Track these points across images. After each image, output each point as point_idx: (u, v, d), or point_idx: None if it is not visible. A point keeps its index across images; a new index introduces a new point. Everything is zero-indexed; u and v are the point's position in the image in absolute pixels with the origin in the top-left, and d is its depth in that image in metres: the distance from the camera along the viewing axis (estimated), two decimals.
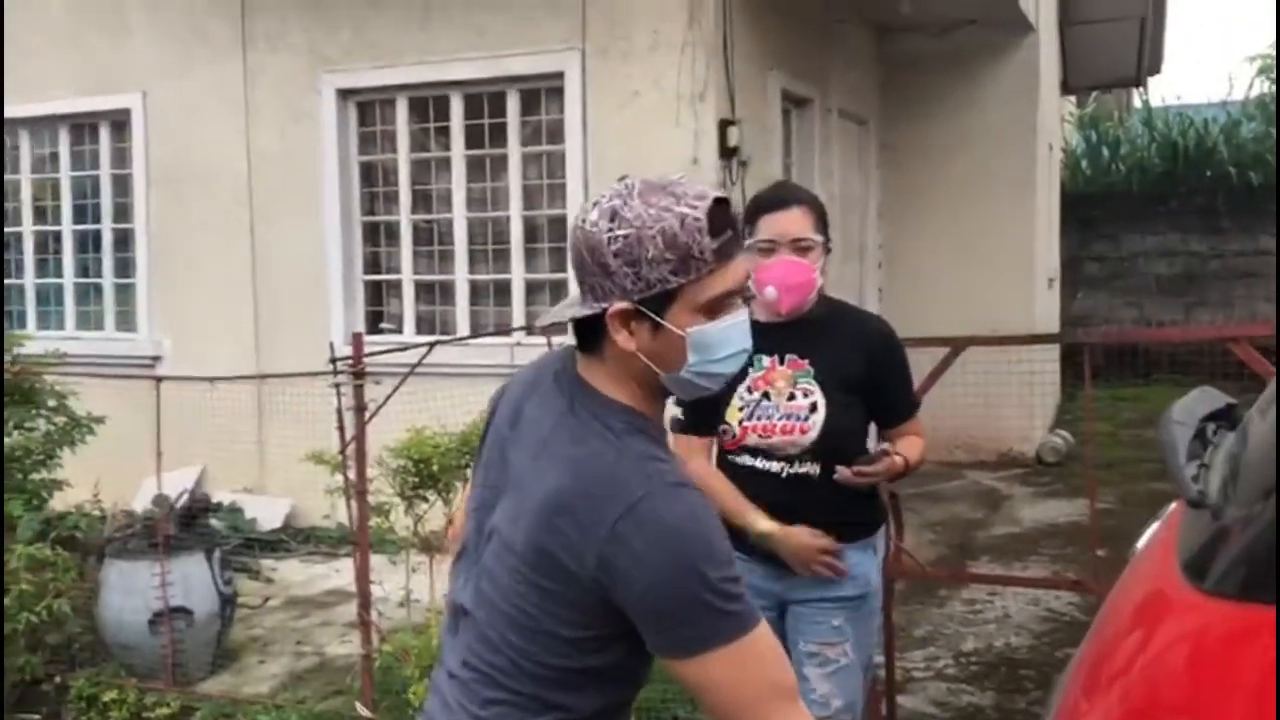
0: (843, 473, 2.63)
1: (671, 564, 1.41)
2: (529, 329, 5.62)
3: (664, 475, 1.48)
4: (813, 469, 2.68)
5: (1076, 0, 10.36)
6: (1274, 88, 14.21)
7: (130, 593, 4.57)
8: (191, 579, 4.65)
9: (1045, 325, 9.34)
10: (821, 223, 2.71)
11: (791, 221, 2.65)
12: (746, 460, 2.71)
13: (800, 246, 2.65)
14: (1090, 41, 11.20)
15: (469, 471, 3.22)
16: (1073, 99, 14.46)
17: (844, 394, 2.68)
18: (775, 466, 2.69)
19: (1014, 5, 8.06)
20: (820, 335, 2.72)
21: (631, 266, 1.46)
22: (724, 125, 5.90)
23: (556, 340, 3.99)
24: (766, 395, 2.69)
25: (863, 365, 2.72)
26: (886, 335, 2.82)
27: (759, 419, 2.69)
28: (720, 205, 1.49)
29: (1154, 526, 2.05)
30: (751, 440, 2.70)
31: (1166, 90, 26.70)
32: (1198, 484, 1.53)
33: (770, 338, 2.69)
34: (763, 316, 2.72)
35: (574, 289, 1.59)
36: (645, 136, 5.94)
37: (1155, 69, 12.40)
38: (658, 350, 1.51)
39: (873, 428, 2.84)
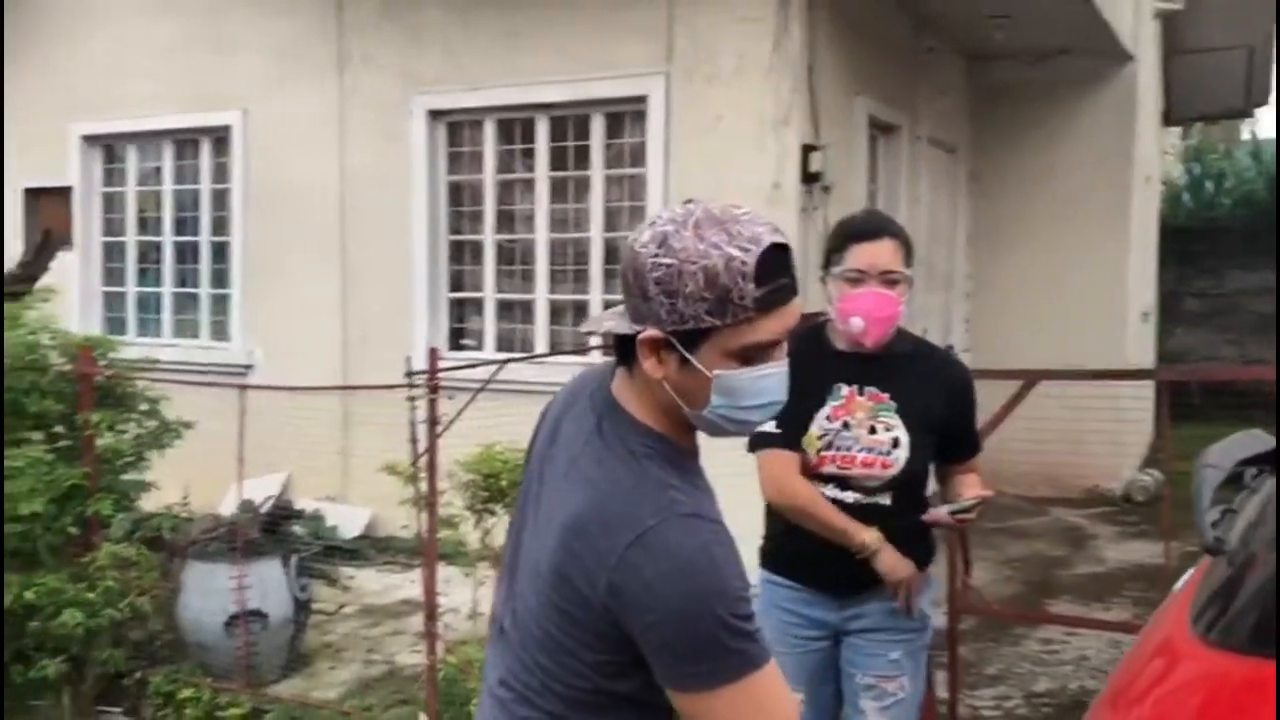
0: (939, 515, 2.62)
1: (681, 598, 1.38)
2: (605, 349, 5.66)
3: (678, 505, 1.44)
4: (885, 501, 2.69)
5: (1180, 30, 10.11)
6: None
7: (209, 594, 4.70)
8: (268, 583, 4.77)
9: (1138, 360, 9.08)
10: (909, 256, 2.70)
11: (883, 253, 2.64)
12: (820, 488, 2.69)
13: (889, 279, 2.63)
14: (1195, 72, 10.92)
15: None
16: (1177, 130, 14.09)
17: (923, 432, 2.68)
18: (850, 497, 2.68)
19: (1111, 35, 7.90)
20: (903, 372, 2.71)
21: (669, 297, 1.42)
22: (807, 150, 5.89)
23: None
24: (846, 425, 2.68)
25: (944, 407, 2.72)
26: (966, 380, 2.84)
27: (839, 449, 2.68)
28: (774, 252, 1.42)
29: (1191, 571, 1.99)
30: (829, 469, 2.69)
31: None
32: (1217, 530, 1.47)
33: (849, 368, 2.69)
34: (843, 345, 2.72)
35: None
36: (727, 160, 5.95)
37: (1263, 100, 12.04)
38: (683, 385, 1.47)
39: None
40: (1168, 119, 11.85)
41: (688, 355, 1.44)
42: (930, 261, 7.90)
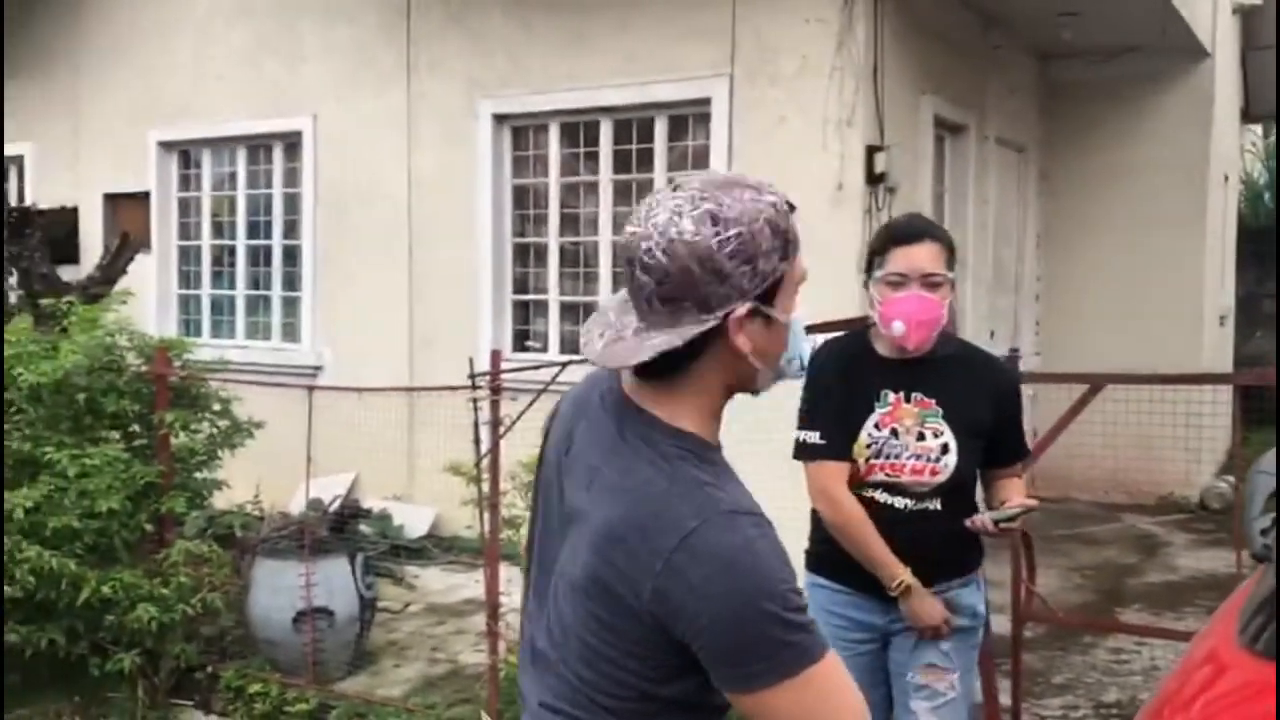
0: (983, 522, 2.60)
1: (729, 597, 1.35)
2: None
3: (717, 503, 1.41)
4: (935, 505, 2.68)
5: (1259, 25, 9.85)
6: None
7: (278, 591, 4.79)
8: (334, 581, 4.84)
9: (1215, 364, 8.87)
10: (951, 259, 2.69)
11: (925, 256, 2.63)
12: (870, 494, 2.70)
13: (931, 282, 2.62)
14: (1274, 67, 10.61)
15: None
16: (1258, 128, 13.71)
17: (971, 437, 2.68)
18: (900, 503, 2.68)
19: (1187, 31, 7.72)
20: (949, 377, 2.70)
21: (749, 264, 1.42)
22: (871, 151, 5.84)
23: None
24: (894, 433, 2.68)
25: (991, 412, 2.71)
26: (1013, 383, 2.84)
27: (887, 456, 2.67)
28: None
29: (1247, 581, 1.95)
30: (878, 476, 2.68)
31: None
32: (1266, 537, 1.44)
33: (894, 374, 2.69)
34: (886, 351, 2.71)
35: (618, 319, 1.48)
36: (791, 162, 5.92)
37: None
38: (766, 345, 1.47)
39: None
40: (1247, 116, 11.54)
41: (769, 312, 1.46)
42: (999, 263, 7.80)
